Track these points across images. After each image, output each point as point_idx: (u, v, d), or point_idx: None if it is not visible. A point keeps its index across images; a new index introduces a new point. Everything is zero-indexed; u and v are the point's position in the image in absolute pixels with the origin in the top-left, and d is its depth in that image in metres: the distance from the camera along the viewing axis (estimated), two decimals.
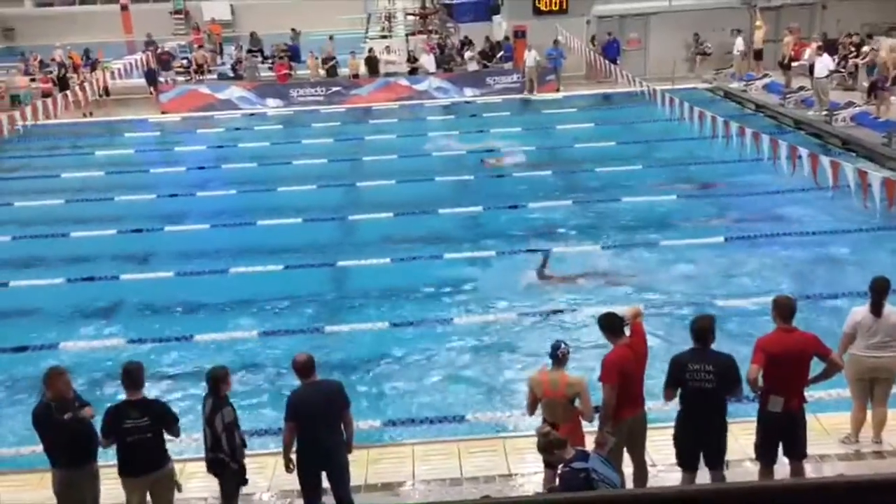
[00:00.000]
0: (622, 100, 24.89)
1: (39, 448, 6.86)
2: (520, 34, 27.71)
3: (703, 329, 6.60)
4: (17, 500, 7.59)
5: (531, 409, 6.91)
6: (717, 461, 6.73)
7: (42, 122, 23.71)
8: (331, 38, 29.64)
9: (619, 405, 6.54)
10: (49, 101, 24.48)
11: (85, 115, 25.77)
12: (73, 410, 6.44)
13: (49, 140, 23.35)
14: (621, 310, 7.26)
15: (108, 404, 6.96)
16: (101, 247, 14.60)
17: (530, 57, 26.19)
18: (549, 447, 5.53)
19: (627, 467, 6.92)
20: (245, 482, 6.94)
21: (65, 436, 6.44)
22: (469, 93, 26.73)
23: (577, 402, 6.64)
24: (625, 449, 6.84)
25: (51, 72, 27.82)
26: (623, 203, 15.87)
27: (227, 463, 6.69)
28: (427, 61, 27.56)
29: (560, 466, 5.43)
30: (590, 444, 6.62)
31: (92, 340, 11.03)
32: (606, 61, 25.96)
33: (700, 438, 6.72)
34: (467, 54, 27.66)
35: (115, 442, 6.53)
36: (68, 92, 25.45)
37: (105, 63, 29.19)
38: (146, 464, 6.56)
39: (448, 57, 28.00)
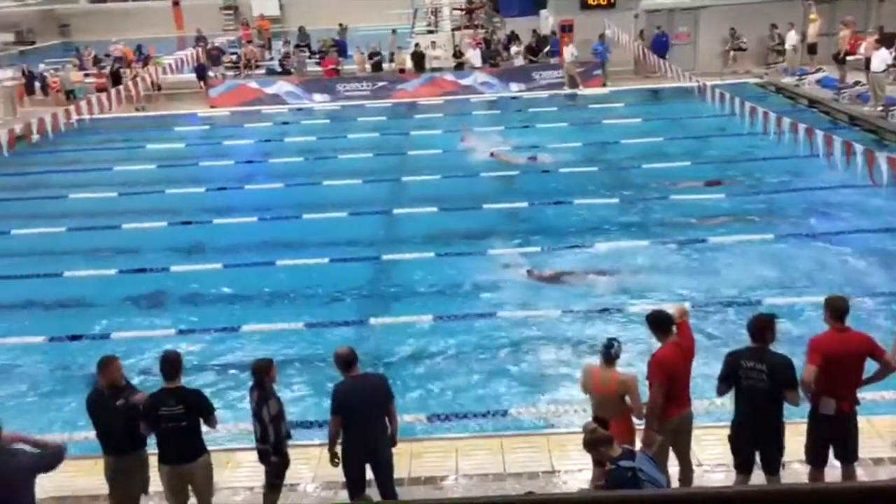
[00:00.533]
0: (671, 95, 24.57)
1: (93, 434, 7.02)
2: (566, 28, 27.52)
3: (760, 327, 6.47)
4: (71, 486, 7.78)
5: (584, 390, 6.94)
6: (773, 464, 6.59)
7: (96, 116, 24.26)
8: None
9: (666, 404, 6.47)
10: (103, 95, 25.03)
11: (137, 110, 26.28)
12: (125, 397, 6.58)
13: (102, 134, 23.86)
14: (669, 308, 7.17)
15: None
16: (151, 239, 14.87)
17: (568, 52, 26.03)
18: (594, 444, 5.49)
19: (673, 466, 6.85)
20: (282, 473, 6.99)
21: (116, 422, 6.57)
22: (515, 88, 26.62)
23: (627, 399, 6.60)
24: (670, 448, 6.76)
25: (104, 67, 28.39)
26: (670, 200, 15.68)
27: (269, 454, 6.78)
28: (473, 56, 27.52)
29: (607, 464, 5.40)
30: (639, 441, 6.56)
31: (142, 330, 11.24)
32: (655, 56, 25.62)
33: (754, 439, 6.58)
34: (513, 49, 27.55)
35: (153, 428, 6.63)
36: (121, 87, 26.00)
37: (157, 58, 29.73)
38: (180, 452, 6.62)
39: (494, 52, 27.92)
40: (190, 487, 6.78)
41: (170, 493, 6.78)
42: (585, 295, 11.90)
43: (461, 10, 31.73)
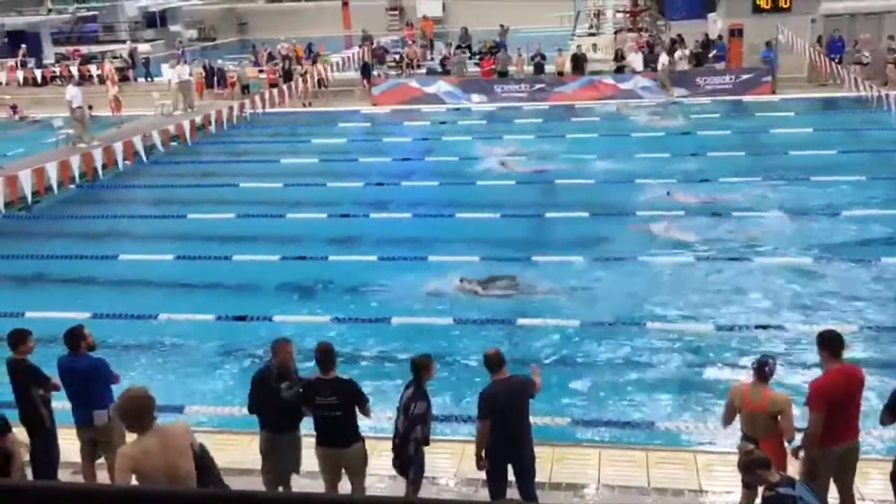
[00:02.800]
0: (848, 104, 23.12)
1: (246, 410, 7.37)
2: (736, 33, 26.45)
3: None
4: (225, 459, 8.19)
5: (728, 420, 6.62)
6: None
7: (267, 110, 25.65)
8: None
9: (829, 432, 6.11)
10: (275, 91, 26.42)
11: (304, 106, 27.54)
12: (290, 382, 6.89)
13: (272, 127, 25.19)
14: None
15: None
16: (312, 229, 15.55)
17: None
18: (751, 466, 5.26)
19: (833, 499, 6.46)
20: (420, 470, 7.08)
21: (276, 403, 6.88)
22: (677, 93, 25.87)
23: (779, 420, 6.29)
24: (832, 479, 6.38)
25: (277, 64, 29.95)
26: (842, 217, 14.76)
27: (407, 450, 6.90)
28: (634, 60, 26.99)
29: (763, 489, 5.16)
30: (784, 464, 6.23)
31: (300, 315, 11.75)
32: (833, 63, 24.12)
33: None
34: (677, 53, 26.79)
35: (312, 413, 6.91)
36: (291, 83, 27.33)
37: (325, 56, 31.03)
38: (334, 438, 6.84)
39: (657, 56, 27.24)
40: (343, 471, 7.03)
41: (323, 474, 7.06)
42: (745, 308, 11.42)
43: (625, 12, 31.18)
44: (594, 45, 28.24)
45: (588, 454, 8.06)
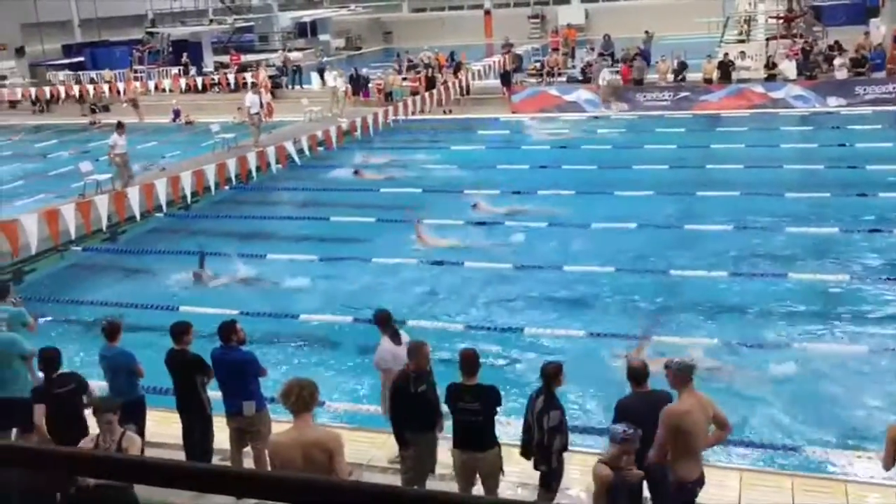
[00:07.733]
0: None
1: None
2: None
3: None
4: (366, 455, 8.45)
5: (891, 462, 6.15)
6: None
7: (410, 117, 26.22)
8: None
9: None
10: (417, 98, 26.98)
11: (445, 113, 27.93)
12: (427, 384, 7.03)
13: (413, 134, 25.72)
14: None
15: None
16: (447, 234, 15.70)
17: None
18: None
19: None
20: (555, 480, 7.03)
21: (414, 404, 7.04)
22: (833, 103, 24.51)
23: None
24: None
25: (419, 72, 30.59)
26: None
27: (539, 462, 6.87)
28: (787, 67, 25.78)
29: None
30: None
31: (436, 321, 11.86)
32: None
33: None
34: (837, 61, 25.35)
35: (453, 416, 6.99)
36: (434, 90, 27.83)
37: (466, 64, 31.39)
38: (472, 442, 6.90)
39: (813, 63, 25.91)
40: (478, 475, 7.10)
41: (458, 477, 7.14)
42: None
43: (779, 18, 29.86)
44: (742, 53, 27.15)
45: (728, 476, 7.75)
